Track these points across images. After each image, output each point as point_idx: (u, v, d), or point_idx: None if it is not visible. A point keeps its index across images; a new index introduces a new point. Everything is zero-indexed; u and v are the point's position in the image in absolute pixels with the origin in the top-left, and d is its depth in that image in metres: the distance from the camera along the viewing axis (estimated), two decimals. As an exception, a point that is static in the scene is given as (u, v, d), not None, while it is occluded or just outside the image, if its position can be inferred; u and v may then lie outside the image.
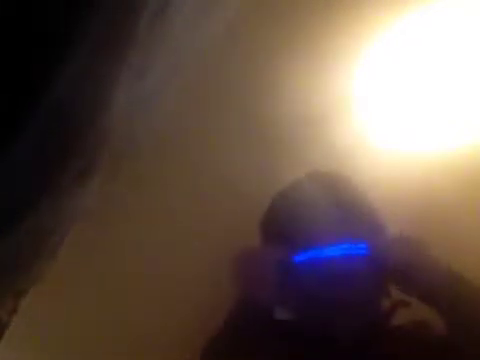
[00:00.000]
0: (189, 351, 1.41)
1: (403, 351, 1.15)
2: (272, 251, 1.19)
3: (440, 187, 1.37)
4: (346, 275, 1.14)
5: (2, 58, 0.64)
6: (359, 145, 1.41)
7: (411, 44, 1.34)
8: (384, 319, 1.17)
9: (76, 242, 0.95)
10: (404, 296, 1.16)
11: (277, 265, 1.16)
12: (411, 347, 1.15)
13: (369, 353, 1.15)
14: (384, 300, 1.18)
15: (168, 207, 1.43)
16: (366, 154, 1.41)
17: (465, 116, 1.41)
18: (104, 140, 0.77)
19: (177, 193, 1.43)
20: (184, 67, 0.98)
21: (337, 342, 1.13)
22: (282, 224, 1.21)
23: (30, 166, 0.70)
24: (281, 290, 1.17)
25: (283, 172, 1.34)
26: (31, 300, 0.93)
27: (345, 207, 1.18)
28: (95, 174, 0.82)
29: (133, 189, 1.37)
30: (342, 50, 1.32)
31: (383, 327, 1.17)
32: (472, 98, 1.39)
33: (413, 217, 1.25)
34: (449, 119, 1.41)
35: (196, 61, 1.02)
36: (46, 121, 0.66)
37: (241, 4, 1.03)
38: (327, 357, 1.14)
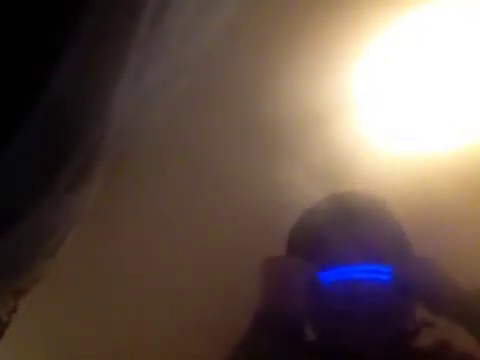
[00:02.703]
0: (189, 351, 1.41)
1: None
2: (298, 263, 1.18)
3: (440, 187, 1.37)
4: (371, 298, 1.13)
5: (2, 58, 0.64)
6: (359, 145, 1.41)
7: (411, 44, 1.34)
8: (408, 340, 1.17)
9: (76, 242, 0.95)
10: (431, 317, 1.16)
11: (304, 278, 1.16)
12: None
13: None
14: (408, 322, 1.18)
15: (168, 207, 1.44)
16: (366, 154, 1.41)
17: (465, 116, 1.41)
18: (104, 139, 0.77)
19: (177, 193, 1.43)
20: (184, 67, 0.98)
21: None
22: (308, 242, 1.20)
23: (30, 166, 0.70)
24: (306, 309, 1.17)
25: (283, 172, 1.34)
26: (31, 300, 0.93)
27: (373, 228, 1.18)
28: (95, 174, 0.82)
29: (133, 189, 1.37)
30: (342, 50, 1.32)
31: (406, 348, 1.16)
32: (472, 98, 1.39)
33: (413, 217, 1.25)
34: (449, 119, 1.42)
35: (196, 61, 1.02)
36: (46, 120, 0.66)
37: (241, 4, 1.03)
38: None
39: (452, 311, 1.11)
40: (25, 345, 1.38)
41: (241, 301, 1.18)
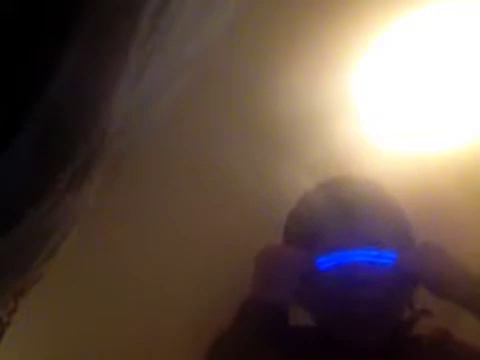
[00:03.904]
0: (188, 350, 1.41)
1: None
2: (295, 252, 1.18)
3: (440, 187, 1.37)
4: (369, 282, 1.13)
5: (2, 58, 0.64)
6: (359, 145, 1.41)
7: (411, 44, 1.34)
8: (406, 328, 1.17)
9: (76, 242, 0.95)
10: (432, 302, 1.16)
11: (300, 268, 1.16)
12: (433, 356, 1.15)
13: None
14: (407, 309, 1.18)
15: (168, 207, 1.43)
16: (366, 154, 1.41)
17: (465, 116, 1.41)
18: (104, 139, 0.77)
19: (177, 193, 1.43)
20: (184, 67, 0.98)
21: (357, 350, 1.13)
22: (306, 228, 1.20)
23: (30, 165, 0.70)
24: (303, 294, 1.17)
25: (283, 172, 1.34)
26: (31, 300, 0.93)
27: (369, 212, 1.17)
28: (95, 174, 0.82)
29: (133, 189, 1.37)
30: (342, 50, 1.32)
31: (404, 336, 1.16)
32: (472, 98, 1.39)
33: (413, 217, 1.25)
34: (449, 119, 1.41)
35: (196, 61, 1.02)
36: (46, 120, 0.66)
37: (241, 4, 1.03)
38: None
39: (457, 295, 1.12)
40: (25, 345, 1.38)
41: (242, 299, 1.18)
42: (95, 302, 1.44)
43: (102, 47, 0.67)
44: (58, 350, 1.46)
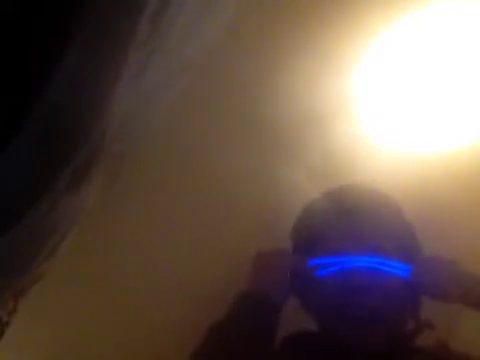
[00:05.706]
0: (188, 351, 1.41)
1: None
2: (286, 256, 1.19)
3: (440, 187, 1.37)
4: (372, 288, 1.13)
5: (2, 58, 0.64)
6: (359, 145, 1.41)
7: (411, 44, 1.34)
8: (408, 339, 1.17)
9: (76, 242, 0.95)
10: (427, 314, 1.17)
11: (291, 268, 1.17)
12: None
13: None
14: (410, 319, 1.18)
15: (167, 207, 1.44)
16: (366, 154, 1.41)
17: (465, 116, 1.41)
18: (104, 140, 0.77)
19: (176, 193, 1.43)
20: (184, 67, 0.98)
21: (357, 356, 1.13)
22: (311, 235, 1.21)
23: (30, 165, 0.70)
24: (306, 299, 1.18)
25: (283, 173, 1.34)
26: (31, 300, 0.93)
27: (378, 222, 1.18)
28: (95, 174, 0.82)
29: (132, 189, 1.37)
30: (342, 50, 1.32)
31: (406, 346, 1.16)
32: (472, 98, 1.39)
33: (412, 217, 1.25)
34: (449, 119, 1.41)
35: (196, 61, 1.02)
36: (46, 120, 0.66)
37: (241, 4, 1.03)
38: None
39: (469, 301, 1.12)
40: (25, 345, 1.38)
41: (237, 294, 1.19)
42: (95, 302, 1.44)
43: (102, 47, 0.67)
44: (58, 350, 1.46)
